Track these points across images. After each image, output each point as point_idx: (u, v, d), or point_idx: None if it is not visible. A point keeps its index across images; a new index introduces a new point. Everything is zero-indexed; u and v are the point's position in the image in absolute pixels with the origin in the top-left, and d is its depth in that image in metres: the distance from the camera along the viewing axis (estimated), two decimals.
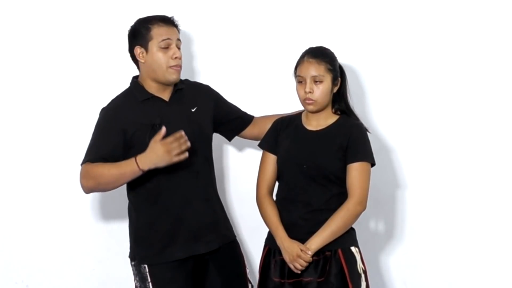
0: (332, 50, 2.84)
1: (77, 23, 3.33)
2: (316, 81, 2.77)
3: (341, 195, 2.79)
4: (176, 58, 2.84)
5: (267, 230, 2.88)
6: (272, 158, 2.89)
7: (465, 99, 3.24)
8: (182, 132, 2.68)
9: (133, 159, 2.70)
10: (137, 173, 2.71)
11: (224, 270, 2.95)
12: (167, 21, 2.86)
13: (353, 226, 2.83)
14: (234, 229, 3.07)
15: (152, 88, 2.88)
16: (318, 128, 2.85)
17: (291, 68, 2.85)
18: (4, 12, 3.33)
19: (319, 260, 2.77)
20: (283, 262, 2.81)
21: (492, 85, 3.22)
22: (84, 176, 2.79)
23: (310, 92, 2.77)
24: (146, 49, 2.83)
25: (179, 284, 2.85)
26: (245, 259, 3.05)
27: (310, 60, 2.78)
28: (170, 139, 2.66)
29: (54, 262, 3.41)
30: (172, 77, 2.86)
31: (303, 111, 2.91)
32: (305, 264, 2.74)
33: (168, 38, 2.83)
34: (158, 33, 2.82)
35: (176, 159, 2.68)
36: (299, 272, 2.77)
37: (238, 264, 3.01)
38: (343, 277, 2.75)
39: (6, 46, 3.34)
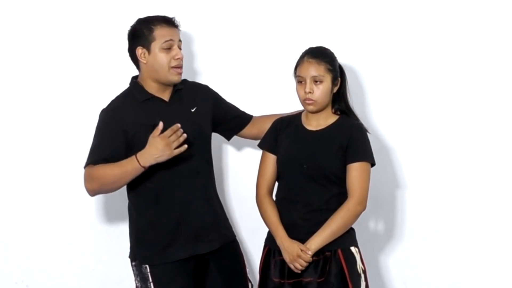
0: (332, 50, 2.84)
1: (77, 23, 3.33)
2: (316, 81, 2.77)
3: (341, 195, 2.79)
4: (178, 59, 2.85)
5: (267, 230, 2.88)
6: (272, 158, 2.89)
7: (465, 99, 3.24)
8: (179, 125, 2.69)
9: (133, 157, 2.71)
10: (139, 170, 2.71)
11: (225, 270, 2.95)
12: (170, 22, 2.86)
13: (353, 226, 2.83)
14: (234, 229, 3.08)
15: (152, 88, 2.88)
16: (318, 128, 2.85)
17: (291, 68, 2.85)
18: (4, 12, 3.33)
19: (319, 260, 2.77)
20: (283, 263, 2.81)
21: (492, 85, 3.22)
22: (87, 179, 2.80)
23: (310, 92, 2.77)
24: (149, 49, 2.83)
25: (180, 284, 2.86)
26: (244, 258, 3.05)
27: (310, 60, 2.78)
28: (168, 132, 2.68)
29: (54, 262, 3.41)
30: (174, 77, 2.86)
31: (302, 111, 2.91)
32: (305, 264, 2.74)
33: (171, 39, 2.84)
34: (161, 34, 2.82)
35: (176, 151, 2.69)
36: (299, 272, 2.77)
37: (238, 263, 3.01)
38: (343, 277, 2.75)
39: (6, 46, 3.34)
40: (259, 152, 2.95)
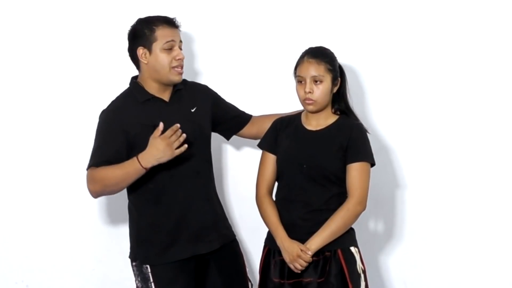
0: (332, 50, 2.84)
1: (77, 23, 3.33)
2: (316, 81, 2.77)
3: (341, 195, 2.79)
4: (179, 59, 2.85)
5: (267, 230, 2.88)
6: (271, 158, 2.89)
7: (464, 99, 3.24)
8: (178, 125, 2.70)
9: (135, 159, 2.71)
10: (141, 171, 2.72)
11: (225, 270, 2.95)
12: (171, 23, 2.86)
13: (353, 226, 2.83)
14: (233, 229, 3.08)
15: (152, 88, 2.88)
16: (318, 128, 2.85)
17: (291, 68, 2.85)
18: (4, 12, 3.33)
19: (319, 260, 2.77)
20: (283, 263, 2.81)
21: (491, 85, 3.22)
22: (90, 181, 2.80)
23: (310, 92, 2.77)
24: (150, 50, 2.83)
25: (181, 284, 2.86)
26: (244, 258, 3.05)
27: (310, 60, 2.78)
28: (168, 132, 2.68)
29: (54, 262, 3.42)
30: (175, 78, 2.86)
31: (302, 111, 2.91)
32: (305, 264, 2.74)
33: (172, 40, 2.84)
34: (162, 34, 2.82)
35: (177, 151, 2.70)
36: (299, 272, 2.77)
37: (238, 263, 3.01)
38: (343, 278, 2.75)
39: (6, 47, 3.34)
40: (259, 152, 2.95)
